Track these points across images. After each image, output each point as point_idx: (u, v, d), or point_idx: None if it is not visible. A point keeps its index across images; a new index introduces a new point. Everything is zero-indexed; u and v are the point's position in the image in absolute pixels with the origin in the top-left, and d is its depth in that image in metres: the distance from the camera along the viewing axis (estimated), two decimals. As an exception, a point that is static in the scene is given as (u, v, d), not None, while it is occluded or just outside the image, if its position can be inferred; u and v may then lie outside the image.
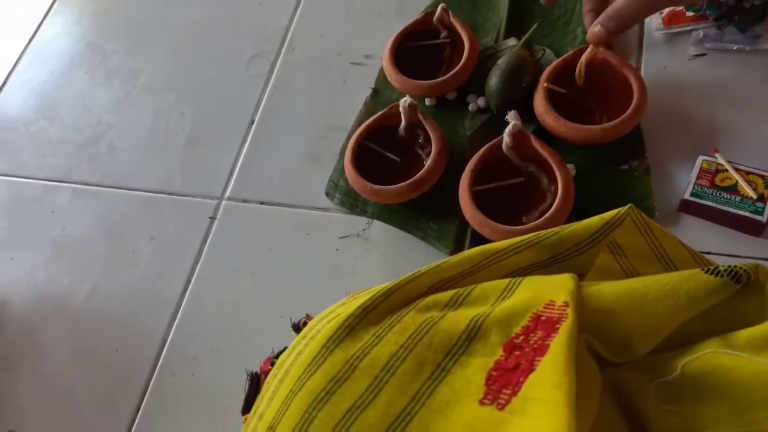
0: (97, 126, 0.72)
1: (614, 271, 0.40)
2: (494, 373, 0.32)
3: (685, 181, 0.51)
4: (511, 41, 0.62)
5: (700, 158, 0.51)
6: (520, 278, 0.37)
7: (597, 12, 0.53)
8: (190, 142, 0.67)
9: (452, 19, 0.61)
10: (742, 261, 0.48)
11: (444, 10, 0.61)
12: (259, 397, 0.39)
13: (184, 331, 0.56)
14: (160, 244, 0.61)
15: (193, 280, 0.58)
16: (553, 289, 0.34)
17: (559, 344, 0.30)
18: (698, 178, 0.50)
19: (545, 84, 0.54)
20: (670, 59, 0.59)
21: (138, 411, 0.53)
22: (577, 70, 0.54)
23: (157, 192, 0.65)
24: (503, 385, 0.31)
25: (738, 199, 0.48)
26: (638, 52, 0.60)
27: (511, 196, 0.53)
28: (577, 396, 0.27)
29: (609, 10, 0.51)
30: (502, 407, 0.30)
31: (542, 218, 0.49)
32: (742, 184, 0.48)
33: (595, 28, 0.52)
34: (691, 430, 0.31)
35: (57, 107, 0.74)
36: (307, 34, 0.72)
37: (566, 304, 0.33)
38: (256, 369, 0.43)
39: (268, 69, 0.70)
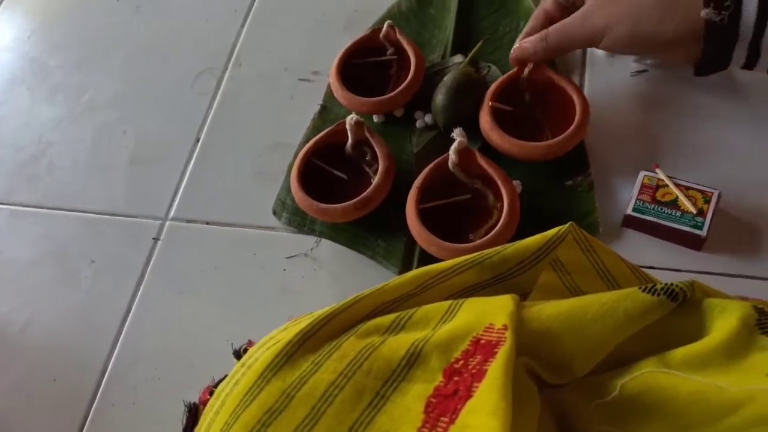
0: (38, 144, 0.69)
1: (557, 288, 0.40)
2: (433, 399, 0.31)
3: (628, 197, 0.51)
4: (458, 58, 0.62)
5: (642, 173, 0.51)
6: (462, 300, 0.37)
7: (526, 34, 0.56)
8: (134, 161, 0.65)
9: (399, 36, 0.61)
10: (683, 275, 0.49)
11: (390, 26, 0.61)
12: (196, 429, 0.37)
13: (125, 358, 0.54)
14: (102, 266, 0.59)
15: (135, 304, 0.56)
16: (493, 312, 0.34)
17: (496, 369, 0.30)
18: (640, 193, 0.51)
19: (490, 102, 0.55)
20: (613, 75, 0.60)
21: (77, 443, 0.51)
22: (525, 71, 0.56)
23: (99, 213, 0.63)
24: (441, 412, 0.30)
25: (678, 213, 0.49)
26: (581, 69, 0.61)
27: (458, 214, 0.53)
28: (514, 421, 0.27)
29: (542, 38, 0.53)
30: (439, 436, 0.29)
31: (488, 235, 0.49)
32: (682, 199, 0.49)
33: (524, 44, 0.54)
34: (630, 451, 0.31)
35: (-6, 125, 0.72)
36: (255, 50, 0.71)
37: (505, 327, 0.32)
38: (197, 397, 0.41)
39: (215, 85, 0.69)
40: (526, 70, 0.55)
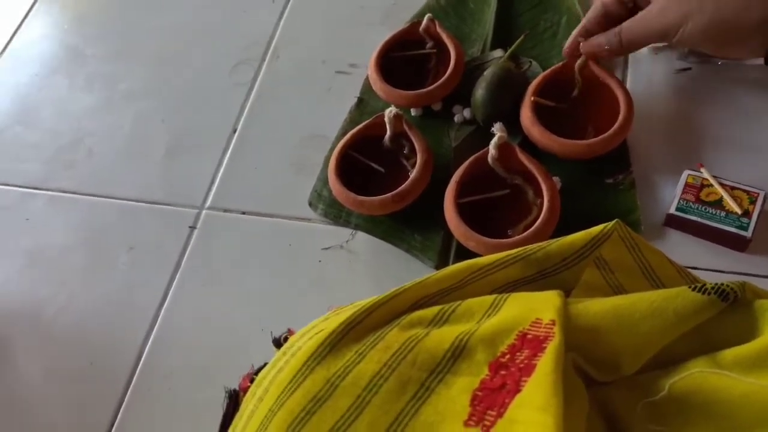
0: (76, 132, 0.70)
1: (600, 286, 0.40)
2: (479, 393, 0.31)
3: (671, 196, 0.50)
4: (497, 53, 0.62)
5: (686, 173, 0.51)
6: (506, 294, 0.37)
7: (584, 28, 0.54)
8: (171, 150, 0.66)
9: (438, 30, 0.61)
10: (726, 276, 0.48)
11: (430, 20, 0.61)
12: (238, 415, 0.37)
13: (162, 344, 0.55)
14: (138, 254, 0.60)
15: (171, 292, 0.57)
16: (540, 307, 0.34)
17: (545, 364, 0.29)
18: (683, 192, 0.50)
19: (532, 98, 0.54)
20: (656, 73, 0.59)
21: (112, 427, 0.52)
22: (580, 61, 0.55)
23: (136, 200, 0.63)
24: (488, 406, 0.30)
25: (723, 214, 0.48)
26: (624, 66, 0.60)
27: (496, 209, 0.52)
28: (564, 418, 0.27)
29: (613, 32, 0.52)
30: (487, 429, 0.29)
31: (528, 232, 0.48)
32: (727, 199, 0.48)
33: (598, 38, 0.53)
34: (679, 451, 0.31)
35: (34, 111, 0.73)
36: (292, 42, 0.71)
37: (553, 323, 0.32)
38: (235, 384, 0.42)
39: (252, 77, 0.69)
40: (580, 62, 0.54)
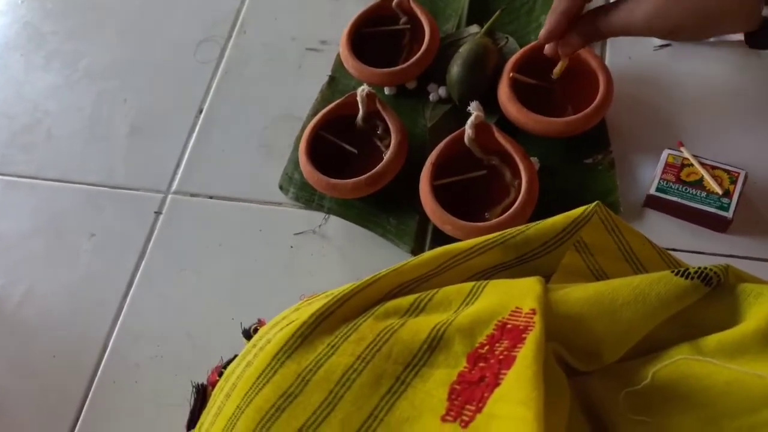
0: (34, 113, 0.67)
1: (581, 270, 0.39)
2: (457, 386, 0.30)
3: (650, 176, 0.49)
4: (473, 28, 0.60)
5: (666, 152, 0.50)
6: (485, 282, 0.35)
7: (567, 16, 0.47)
8: (134, 132, 0.63)
9: (412, 4, 0.59)
10: (707, 258, 0.48)
11: (404, -6, 0.59)
12: (205, 411, 0.36)
13: (127, 335, 0.52)
14: (102, 241, 0.57)
15: (136, 280, 0.55)
16: (520, 295, 0.32)
17: (525, 356, 0.28)
18: (663, 172, 0.49)
19: (511, 74, 0.52)
20: (635, 50, 0.58)
21: (77, 421, 0.50)
22: (559, 66, 0.51)
23: (98, 185, 0.61)
24: (467, 400, 0.28)
25: (704, 194, 0.47)
26: (603, 43, 0.59)
27: (473, 191, 0.51)
28: (545, 412, 0.26)
29: (591, 28, 0.47)
30: (465, 425, 0.27)
31: (506, 214, 0.47)
32: (708, 179, 0.47)
33: (572, 39, 0.48)
34: (661, 441, 0.30)
35: (-12, 92, 0.69)
36: (260, 18, 0.68)
37: (533, 312, 0.31)
38: (203, 378, 0.40)
39: (218, 54, 0.66)
40: (558, 68, 0.51)
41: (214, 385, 0.38)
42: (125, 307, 0.54)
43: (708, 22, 0.45)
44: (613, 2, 0.46)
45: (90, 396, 0.50)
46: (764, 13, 0.42)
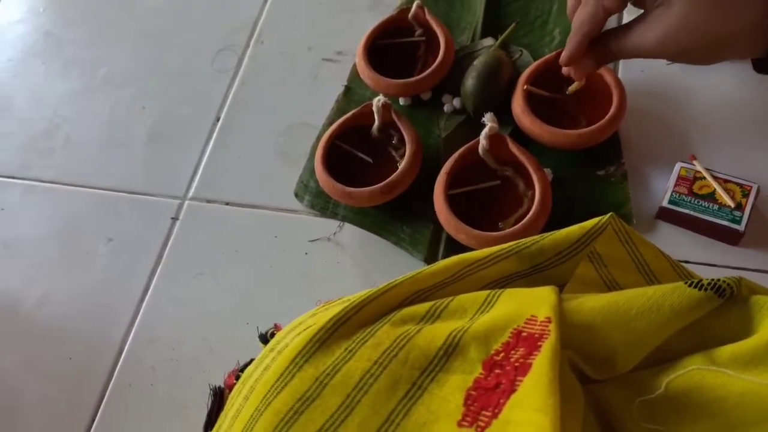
0: (53, 119, 0.68)
1: (594, 281, 0.39)
2: (473, 392, 0.30)
3: (663, 188, 0.50)
4: (488, 41, 0.61)
5: (678, 165, 0.50)
6: (500, 290, 0.36)
7: (588, 38, 0.46)
8: (152, 139, 0.64)
9: (428, 17, 0.59)
10: (719, 270, 0.48)
11: (419, 6, 0.59)
12: (223, 414, 0.36)
13: (143, 338, 0.53)
14: (118, 245, 0.58)
15: (152, 285, 0.55)
16: (535, 303, 0.33)
17: (541, 363, 0.28)
18: (676, 185, 0.49)
19: (525, 86, 0.53)
20: (648, 64, 0.58)
21: (92, 423, 0.50)
22: (574, 86, 0.52)
23: (116, 190, 0.61)
24: (483, 406, 0.29)
25: (716, 207, 0.47)
26: (616, 56, 0.59)
27: (486, 201, 0.51)
28: (561, 418, 0.26)
29: (604, 50, 0.46)
30: (481, 430, 0.28)
31: (519, 224, 0.47)
32: (720, 192, 0.48)
33: (587, 62, 0.47)
34: (674, 450, 0.30)
35: (8, 99, 0.70)
36: (277, 28, 0.69)
37: (548, 320, 0.31)
38: (219, 381, 0.40)
39: (236, 63, 0.67)
40: (573, 87, 0.52)
41: (230, 388, 0.38)
42: (141, 310, 0.54)
43: (717, 47, 0.45)
44: (624, 25, 0.46)
45: (105, 398, 0.51)
46: None
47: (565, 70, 0.49)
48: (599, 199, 0.52)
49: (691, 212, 0.48)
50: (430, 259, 0.52)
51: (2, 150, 0.66)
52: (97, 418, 0.50)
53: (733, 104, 0.55)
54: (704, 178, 0.49)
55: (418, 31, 0.61)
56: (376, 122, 0.55)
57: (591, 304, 0.34)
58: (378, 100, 0.54)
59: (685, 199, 0.48)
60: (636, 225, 0.50)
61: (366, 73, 0.58)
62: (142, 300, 0.55)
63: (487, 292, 0.36)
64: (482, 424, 0.28)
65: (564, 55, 0.47)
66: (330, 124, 0.57)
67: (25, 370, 0.54)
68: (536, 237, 0.38)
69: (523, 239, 0.38)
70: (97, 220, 0.60)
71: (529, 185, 0.50)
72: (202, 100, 0.65)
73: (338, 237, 0.55)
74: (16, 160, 0.65)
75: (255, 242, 0.56)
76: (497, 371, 0.30)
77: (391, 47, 0.60)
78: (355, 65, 0.61)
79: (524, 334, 0.32)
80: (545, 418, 0.26)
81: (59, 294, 0.57)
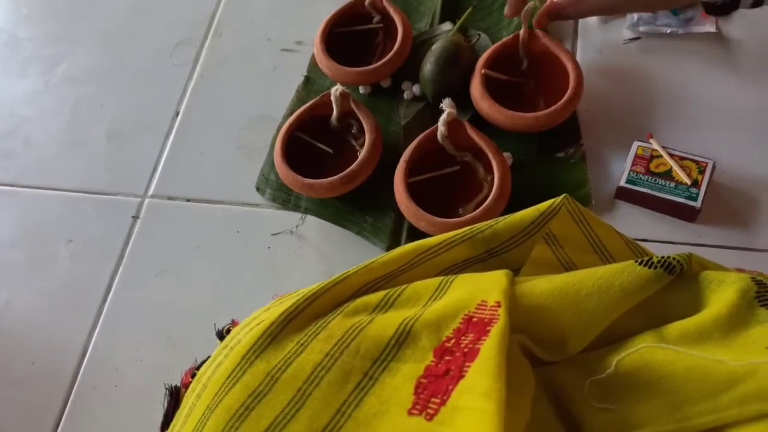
0: (11, 120, 0.67)
1: (550, 262, 0.39)
2: (424, 380, 0.30)
3: (621, 168, 0.50)
4: (446, 26, 0.60)
5: (636, 144, 0.50)
6: (453, 276, 0.36)
7: None
8: (111, 136, 0.63)
9: (385, 3, 0.59)
10: (677, 247, 0.48)
11: (376, -7, 0.59)
12: (178, 413, 0.36)
13: (106, 339, 0.52)
14: (80, 246, 0.57)
15: (114, 285, 0.55)
16: (486, 288, 0.33)
17: (489, 348, 0.28)
18: (633, 164, 0.49)
19: (483, 70, 0.53)
20: (605, 43, 0.58)
21: (58, 426, 0.50)
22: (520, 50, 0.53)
23: (77, 191, 0.60)
24: (432, 393, 0.29)
25: (672, 185, 0.48)
26: (573, 37, 0.59)
27: (447, 188, 0.51)
28: (508, 402, 0.26)
29: (551, 6, 0.48)
30: (430, 417, 0.28)
31: (479, 209, 0.47)
32: (677, 169, 0.48)
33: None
34: (625, 428, 0.30)
35: (-37, 101, 0.69)
36: (235, 20, 0.68)
37: (498, 305, 0.31)
38: (179, 381, 0.40)
39: (194, 57, 0.66)
40: (523, 33, 0.53)
41: (187, 386, 0.38)
42: (104, 311, 0.54)
43: None
44: None
45: (70, 401, 0.50)
46: None
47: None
48: (559, 181, 0.52)
49: (649, 191, 0.48)
50: (392, 247, 0.51)
51: (-42, 154, 0.65)
52: (62, 422, 0.50)
53: (690, 82, 0.55)
54: (661, 156, 0.49)
55: (376, 18, 0.60)
56: (335, 112, 0.54)
57: (542, 286, 0.34)
58: (336, 90, 0.53)
59: (643, 178, 0.49)
60: (595, 205, 0.50)
61: (324, 63, 0.57)
62: (104, 301, 0.54)
63: (441, 278, 0.36)
64: (431, 411, 0.28)
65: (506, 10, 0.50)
66: (290, 115, 0.56)
67: (-11, 376, 0.53)
68: (490, 221, 0.38)
69: (478, 224, 0.38)
70: (59, 221, 0.59)
71: (489, 170, 0.50)
72: (162, 95, 0.64)
73: (301, 229, 0.55)
74: (-26, 164, 0.64)
75: (217, 238, 0.55)
76: (447, 358, 0.30)
77: (349, 35, 0.60)
78: (314, 55, 0.61)
79: (474, 319, 0.32)
80: (490, 402, 0.26)
81: (22, 299, 0.56)
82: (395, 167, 0.51)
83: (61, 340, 0.53)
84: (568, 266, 0.39)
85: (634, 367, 0.31)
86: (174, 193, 0.58)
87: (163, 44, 0.68)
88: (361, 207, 0.54)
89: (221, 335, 0.40)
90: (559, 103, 0.50)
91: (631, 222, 0.49)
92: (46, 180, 0.62)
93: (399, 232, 0.52)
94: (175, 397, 0.38)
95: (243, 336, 0.34)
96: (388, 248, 0.51)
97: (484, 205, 0.47)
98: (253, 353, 0.33)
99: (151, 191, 0.59)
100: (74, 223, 0.59)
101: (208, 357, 0.38)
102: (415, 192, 0.50)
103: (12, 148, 0.65)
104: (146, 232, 0.57)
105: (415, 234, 0.49)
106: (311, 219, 0.55)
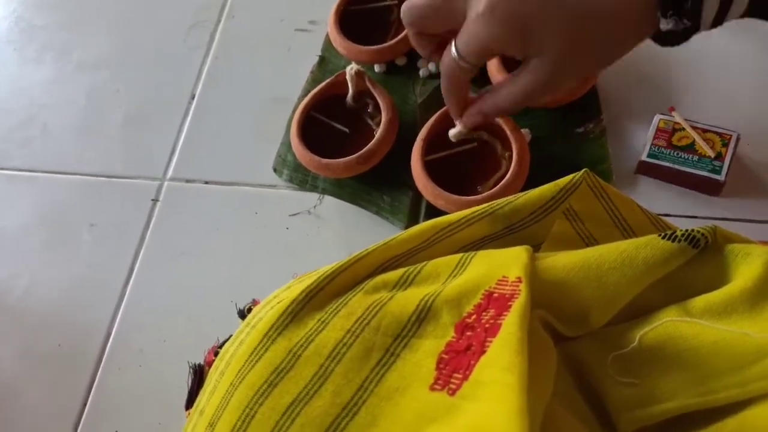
0: (29, 107, 0.67)
1: (571, 238, 0.39)
2: (445, 356, 0.30)
3: (642, 142, 0.49)
4: (462, 1, 0.59)
5: (657, 117, 0.49)
6: (473, 252, 0.35)
7: (453, 94, 0.44)
8: (128, 121, 0.63)
9: (399, -21, 0.58)
10: (700, 222, 0.47)
11: (390, -31, 0.58)
12: (202, 390, 0.36)
13: (130, 321, 0.53)
14: (101, 230, 0.58)
15: (136, 267, 0.55)
16: (506, 264, 0.33)
17: (510, 323, 0.28)
18: (655, 138, 0.48)
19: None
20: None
21: (85, 406, 0.51)
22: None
23: (96, 175, 0.61)
24: (454, 368, 0.29)
25: (695, 158, 0.47)
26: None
27: (465, 165, 0.51)
28: (530, 376, 0.26)
29: (488, 105, 0.43)
30: (453, 392, 0.28)
31: (497, 186, 0.47)
32: (700, 142, 0.47)
33: (472, 118, 0.45)
34: (649, 402, 0.30)
35: (-18, 88, 0.69)
36: (248, 1, 0.67)
37: (519, 280, 0.31)
38: (203, 359, 0.40)
39: (208, 39, 0.66)
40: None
41: (210, 365, 0.38)
42: (127, 293, 0.54)
43: (605, 59, 0.41)
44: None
45: (96, 381, 0.51)
46: (662, 27, 0.37)
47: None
48: (578, 157, 0.51)
49: (671, 165, 0.47)
50: (410, 226, 0.50)
51: (-20, 141, 0.66)
52: (89, 401, 0.51)
53: (712, 53, 0.54)
54: (683, 129, 0.48)
55: (390, -5, 0.59)
56: (350, 91, 0.54)
57: (564, 261, 0.33)
58: (351, 69, 0.53)
59: (665, 152, 0.48)
60: (616, 181, 0.50)
61: (338, 42, 0.57)
62: (126, 283, 0.55)
63: (460, 255, 0.35)
64: (453, 386, 0.28)
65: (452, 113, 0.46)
66: (305, 95, 0.56)
67: (18, 356, 0.54)
68: (510, 197, 0.38)
69: (497, 200, 0.38)
70: (79, 206, 0.60)
71: (507, 146, 0.49)
72: (176, 78, 0.64)
73: (318, 210, 0.55)
74: (-5, 151, 0.65)
75: (236, 219, 0.56)
76: (468, 333, 0.30)
77: (363, 13, 0.59)
78: (328, 34, 0.60)
79: (495, 295, 0.31)
80: (512, 376, 0.25)
81: (45, 282, 0.57)
82: (412, 146, 0.51)
83: (86, 322, 0.54)
84: (589, 242, 0.39)
85: (657, 341, 0.31)
86: (192, 176, 0.59)
87: (176, 27, 0.68)
88: (378, 186, 0.53)
89: (243, 314, 0.40)
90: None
91: (653, 197, 0.48)
92: (65, 165, 0.62)
93: (417, 210, 0.52)
94: (198, 375, 0.38)
95: (264, 314, 0.34)
96: (406, 227, 0.51)
97: (503, 182, 0.47)
98: (274, 331, 0.33)
99: (169, 174, 0.59)
100: (95, 207, 0.59)
101: (230, 336, 0.38)
102: (432, 170, 0.49)
103: (30, 135, 0.65)
104: (166, 215, 0.57)
105: (433, 212, 0.49)
106: (329, 199, 0.55)
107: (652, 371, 0.31)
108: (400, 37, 0.56)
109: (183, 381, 0.40)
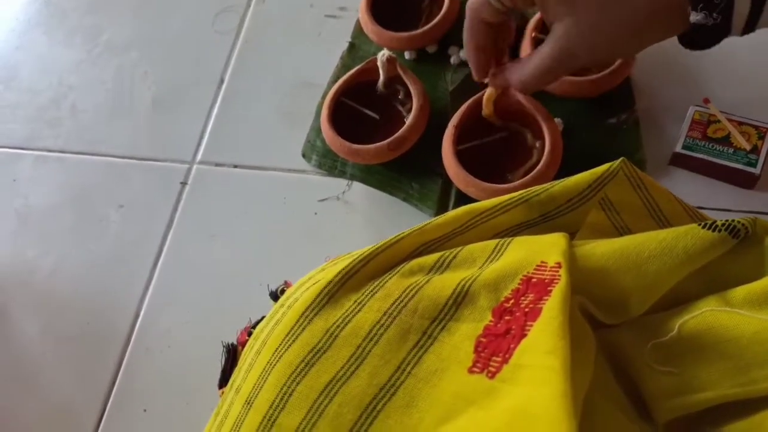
0: (59, 89, 0.68)
1: (606, 228, 0.39)
2: (483, 339, 0.30)
3: (676, 134, 0.49)
4: (494, -11, 0.59)
5: (692, 109, 0.49)
6: (509, 239, 0.35)
7: (478, 50, 0.45)
8: (157, 103, 0.64)
9: (431, -34, 0.58)
10: (735, 215, 0.47)
11: (422, -44, 0.58)
12: (236, 369, 0.37)
13: (158, 302, 0.54)
14: (130, 211, 0.58)
15: (165, 249, 0.56)
16: (545, 250, 0.33)
17: (551, 308, 0.28)
18: (690, 129, 0.48)
19: (533, 34, 0.52)
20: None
21: (113, 385, 0.51)
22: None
23: (125, 157, 0.61)
24: (493, 352, 0.29)
25: (731, 151, 0.46)
26: None
27: (495, 154, 0.51)
28: (572, 360, 0.26)
29: (515, 79, 0.45)
30: (492, 375, 0.28)
31: (529, 175, 0.47)
32: (735, 135, 0.47)
33: (497, 80, 0.46)
34: (687, 392, 0.30)
35: (14, 69, 0.70)
36: (278, -15, 0.68)
37: (558, 265, 0.31)
38: (233, 340, 0.41)
39: (237, 23, 0.66)
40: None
41: (243, 344, 0.39)
42: (155, 274, 0.55)
43: (635, 37, 0.41)
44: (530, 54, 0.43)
45: (125, 361, 0.52)
46: (692, 19, 0.38)
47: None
48: (610, 148, 0.51)
49: (706, 156, 0.47)
50: (439, 214, 0.51)
51: (11, 122, 0.66)
52: (117, 380, 0.51)
53: (748, 44, 0.53)
54: (719, 121, 0.48)
55: (422, -18, 0.59)
56: (381, 77, 0.54)
57: (602, 248, 0.33)
58: (382, 55, 0.53)
59: (699, 144, 0.47)
60: (649, 172, 0.49)
61: (369, 28, 0.57)
62: (155, 264, 0.55)
63: (497, 240, 0.35)
64: (493, 369, 0.28)
65: (473, 74, 0.47)
66: (335, 81, 0.56)
67: (46, 333, 0.54)
68: (546, 185, 0.37)
69: (533, 187, 0.38)
70: (108, 187, 0.60)
71: (538, 136, 0.49)
72: (205, 62, 0.65)
73: (347, 196, 0.55)
74: (25, 131, 0.65)
75: (264, 204, 0.56)
76: (507, 318, 0.30)
77: (394, 0, 0.59)
78: (358, 20, 0.60)
79: (534, 280, 0.31)
80: (555, 359, 0.25)
81: (73, 262, 0.57)
82: (442, 133, 0.51)
83: (115, 302, 0.54)
84: (623, 232, 0.39)
85: (697, 331, 0.31)
86: (221, 160, 0.59)
87: (205, 12, 0.68)
88: (408, 173, 0.53)
89: (275, 296, 0.41)
90: (613, 66, 0.49)
91: (687, 189, 0.48)
92: (94, 147, 0.63)
93: (446, 198, 0.52)
94: (232, 355, 0.38)
95: (300, 295, 0.35)
96: (436, 215, 0.51)
97: (535, 171, 0.47)
98: (311, 311, 0.33)
99: (198, 158, 0.60)
100: (124, 189, 0.60)
101: (263, 317, 0.38)
102: (463, 158, 0.49)
103: (60, 116, 0.66)
104: (195, 198, 0.58)
105: (463, 200, 0.49)
106: (357, 185, 0.55)
107: (692, 361, 0.30)
108: (432, 24, 0.55)
109: (212, 361, 0.41)
